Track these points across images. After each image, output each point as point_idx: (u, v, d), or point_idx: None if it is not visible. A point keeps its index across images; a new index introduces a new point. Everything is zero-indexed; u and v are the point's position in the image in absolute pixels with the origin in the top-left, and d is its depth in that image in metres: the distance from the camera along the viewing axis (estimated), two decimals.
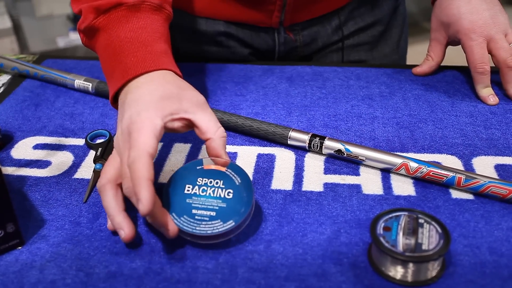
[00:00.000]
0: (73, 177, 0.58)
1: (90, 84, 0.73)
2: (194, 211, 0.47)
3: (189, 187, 0.49)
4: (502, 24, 0.67)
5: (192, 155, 0.60)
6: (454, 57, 0.95)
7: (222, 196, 0.48)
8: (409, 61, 0.90)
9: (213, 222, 0.47)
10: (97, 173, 0.57)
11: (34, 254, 0.48)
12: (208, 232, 0.46)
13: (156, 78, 0.52)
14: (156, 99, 0.49)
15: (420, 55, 0.85)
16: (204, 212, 0.47)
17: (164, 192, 0.49)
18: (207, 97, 0.71)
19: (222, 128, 0.51)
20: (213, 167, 0.51)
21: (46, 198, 0.55)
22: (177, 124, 0.50)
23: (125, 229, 0.47)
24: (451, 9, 0.69)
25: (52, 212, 0.53)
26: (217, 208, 0.48)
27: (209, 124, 0.50)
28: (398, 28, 0.85)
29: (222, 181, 0.49)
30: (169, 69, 0.54)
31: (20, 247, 0.48)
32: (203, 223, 0.47)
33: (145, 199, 0.43)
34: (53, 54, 0.88)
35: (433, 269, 0.44)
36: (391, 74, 0.76)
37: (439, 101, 0.69)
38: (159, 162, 0.59)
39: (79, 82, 0.73)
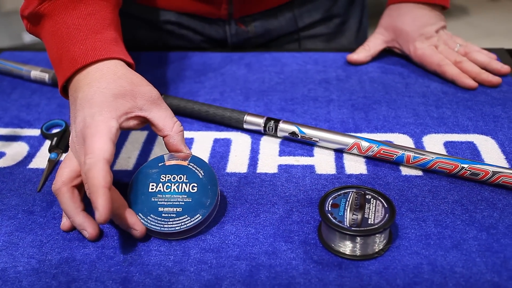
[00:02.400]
0: (27, 167, 0.57)
1: (47, 75, 0.72)
2: (160, 209, 0.48)
3: (153, 185, 0.50)
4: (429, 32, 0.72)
5: (149, 142, 0.60)
6: None
7: (187, 190, 0.49)
8: None
9: (180, 218, 0.47)
10: (51, 162, 0.57)
11: None
12: (177, 228, 0.46)
13: (106, 73, 0.50)
14: (109, 98, 0.48)
15: None
16: (171, 209, 0.48)
17: (129, 192, 0.49)
18: (166, 85, 0.71)
19: (179, 122, 0.51)
20: (175, 162, 0.51)
21: None
22: (132, 123, 0.50)
23: (88, 229, 0.47)
24: (407, 18, 0.72)
25: (5, 202, 0.52)
26: (183, 203, 0.48)
27: (165, 121, 0.50)
28: (356, 19, 0.86)
29: (185, 176, 0.50)
30: (120, 58, 0.53)
31: None
32: (171, 220, 0.47)
33: (101, 207, 0.42)
34: (19, 49, 0.86)
35: (379, 243, 0.45)
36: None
37: (393, 83, 0.70)
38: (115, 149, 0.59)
39: (35, 73, 0.72)
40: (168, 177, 0.50)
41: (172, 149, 0.51)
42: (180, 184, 0.49)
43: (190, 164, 0.51)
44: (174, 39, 0.81)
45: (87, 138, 0.46)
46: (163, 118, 0.51)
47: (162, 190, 0.49)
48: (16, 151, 0.60)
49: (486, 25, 2.77)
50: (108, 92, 0.49)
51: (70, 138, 0.50)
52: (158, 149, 0.59)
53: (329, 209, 0.46)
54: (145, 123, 0.52)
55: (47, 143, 0.61)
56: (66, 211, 0.47)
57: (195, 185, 0.49)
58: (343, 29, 0.85)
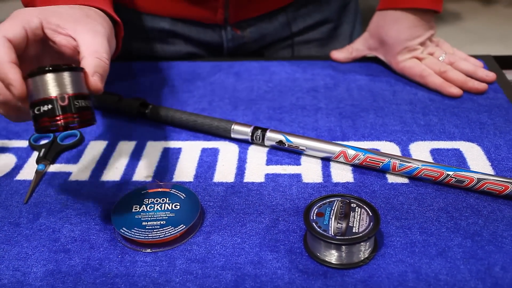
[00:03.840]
0: (15, 178, 0.57)
1: None
2: (144, 223, 0.49)
3: (136, 207, 0.50)
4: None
5: (136, 153, 0.61)
6: None
7: (170, 208, 0.50)
8: None
9: (164, 228, 0.48)
10: (39, 174, 0.57)
11: None
12: (161, 236, 0.47)
13: (77, 6, 0.50)
14: (51, 9, 0.48)
15: None
16: (155, 223, 0.48)
17: (112, 215, 0.50)
18: (154, 95, 0.71)
19: (106, 55, 0.47)
20: (158, 189, 0.52)
21: None
22: (59, 38, 0.47)
23: (14, 82, 0.42)
24: (391, 30, 0.72)
25: None
26: (166, 218, 0.49)
27: (90, 44, 0.46)
28: (350, 24, 0.86)
29: (168, 198, 0.51)
30: (99, 7, 0.52)
31: None
32: (154, 230, 0.47)
33: (15, 80, 0.41)
34: None
35: (365, 251, 0.45)
36: (336, 66, 0.78)
37: (381, 91, 0.71)
38: (103, 160, 0.60)
39: None
40: (151, 200, 0.51)
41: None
42: (163, 204, 0.51)
43: (173, 190, 0.52)
44: (167, 46, 0.81)
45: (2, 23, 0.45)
46: (90, 41, 0.47)
47: (145, 210, 0.50)
48: (3, 162, 0.60)
49: (478, 30, 2.79)
50: (57, 8, 0.49)
51: None
52: (146, 160, 0.59)
53: (314, 218, 0.46)
54: (73, 52, 0.48)
55: (35, 154, 0.61)
56: None
57: (178, 204, 0.51)
58: (336, 34, 0.85)
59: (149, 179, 0.56)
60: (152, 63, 0.80)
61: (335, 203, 0.48)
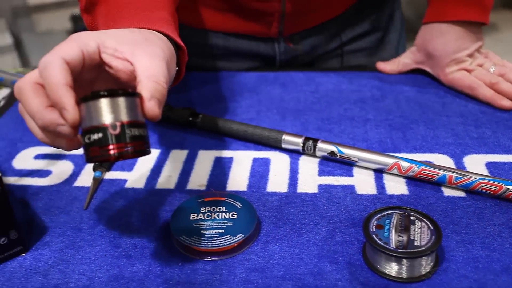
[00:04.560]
0: (73, 185, 0.59)
1: None
2: (203, 231, 0.49)
3: (194, 215, 0.51)
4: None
5: (189, 162, 0.62)
6: None
7: (227, 217, 0.51)
8: None
9: (223, 237, 0.48)
10: (96, 181, 0.59)
11: (38, 260, 0.49)
12: (220, 245, 0.47)
13: (138, 30, 0.47)
14: (109, 32, 0.46)
15: None
16: (213, 231, 0.49)
17: (171, 223, 0.50)
18: (202, 105, 0.72)
19: (164, 79, 0.43)
20: (213, 198, 0.53)
21: (47, 206, 0.56)
22: (115, 63, 0.44)
23: (63, 121, 0.39)
24: (438, 43, 0.71)
25: (54, 219, 0.54)
26: (224, 226, 0.50)
27: (147, 67, 0.43)
28: (396, 33, 0.86)
29: (224, 207, 0.52)
30: (160, 31, 0.50)
31: (23, 254, 0.50)
32: (214, 239, 0.48)
33: (69, 105, 0.38)
34: None
35: (426, 265, 0.45)
36: (382, 78, 0.78)
37: (430, 103, 0.70)
38: (156, 168, 0.61)
39: None
40: (208, 209, 0.52)
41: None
42: (220, 213, 0.51)
43: (228, 198, 0.53)
44: (219, 61, 0.82)
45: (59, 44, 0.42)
46: (147, 65, 0.43)
47: (203, 218, 0.51)
48: (61, 169, 0.62)
49: None
50: (116, 31, 0.46)
51: None
52: (199, 169, 0.60)
53: (374, 230, 0.46)
54: (128, 76, 0.44)
55: None
56: (31, 108, 0.41)
57: (235, 213, 0.51)
58: (384, 43, 0.85)
59: (203, 188, 0.57)
60: (200, 73, 0.81)
61: (394, 215, 0.48)
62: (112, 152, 0.39)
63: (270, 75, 0.80)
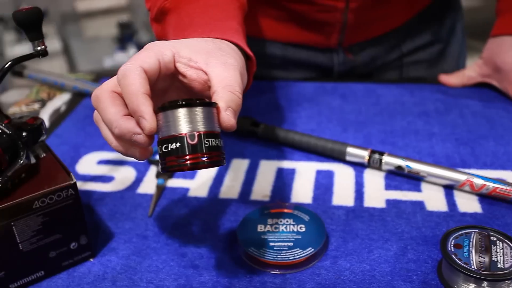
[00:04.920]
0: (136, 191, 0.59)
1: None
2: (271, 243, 0.49)
3: (261, 227, 0.51)
4: None
5: (251, 171, 0.61)
6: None
7: (295, 230, 0.50)
8: None
9: (292, 250, 0.48)
10: (159, 188, 0.59)
11: (105, 266, 0.49)
12: (290, 258, 0.47)
13: (211, 39, 0.48)
14: (184, 42, 0.45)
15: None
16: (282, 244, 0.48)
17: (239, 234, 0.50)
18: (262, 114, 0.72)
19: (239, 89, 0.43)
20: (280, 210, 0.52)
21: (112, 212, 0.56)
22: (190, 72, 0.44)
23: (146, 115, 0.39)
24: (508, 57, 0.68)
25: (119, 225, 0.54)
26: (293, 239, 0.49)
27: (222, 77, 0.43)
28: (457, 45, 0.84)
29: (292, 219, 0.51)
30: (232, 41, 0.49)
31: (91, 259, 0.50)
32: (283, 252, 0.47)
33: (147, 114, 0.38)
34: (104, 73, 0.91)
35: None
36: (445, 90, 0.75)
37: (498, 117, 0.68)
38: (218, 177, 0.60)
39: None
40: (275, 220, 0.51)
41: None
42: (288, 226, 0.51)
43: (295, 211, 0.52)
44: (277, 71, 0.82)
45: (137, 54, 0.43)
46: (222, 75, 0.43)
47: (271, 230, 0.50)
48: (124, 175, 0.62)
49: None
50: (190, 41, 0.46)
51: None
52: (261, 179, 0.60)
53: (452, 249, 0.44)
54: (202, 85, 0.44)
55: (153, 168, 0.63)
56: (108, 116, 0.41)
57: (303, 226, 0.50)
58: (445, 55, 0.83)
59: (267, 199, 0.56)
60: (257, 82, 0.80)
61: (473, 235, 0.46)
62: (189, 162, 0.39)
63: (328, 85, 0.79)
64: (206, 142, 0.39)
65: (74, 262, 0.49)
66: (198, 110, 0.40)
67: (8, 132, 0.45)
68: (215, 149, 0.40)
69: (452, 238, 0.46)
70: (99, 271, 0.49)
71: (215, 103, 0.41)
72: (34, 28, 0.45)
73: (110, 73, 1.00)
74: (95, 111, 0.44)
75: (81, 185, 0.61)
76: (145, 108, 0.39)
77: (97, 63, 2.38)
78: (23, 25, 0.45)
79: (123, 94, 0.40)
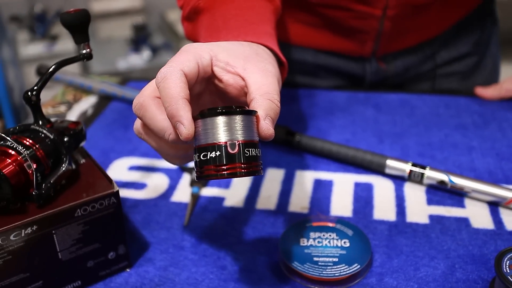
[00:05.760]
0: (170, 200, 0.58)
1: None
2: (315, 258, 0.47)
3: (304, 240, 0.49)
4: None
5: (287, 182, 0.59)
6: None
7: (339, 245, 0.48)
8: None
9: (338, 266, 0.46)
10: (194, 197, 0.57)
11: (143, 277, 0.48)
12: (336, 275, 0.45)
13: (247, 43, 0.46)
14: (222, 45, 0.44)
15: None
16: (326, 259, 0.47)
17: (281, 247, 0.48)
18: (295, 123, 0.70)
19: (278, 96, 0.42)
20: (323, 223, 0.51)
21: (147, 221, 0.55)
22: (227, 77, 0.43)
23: (185, 121, 0.37)
24: None
25: (155, 235, 0.53)
26: (337, 255, 0.47)
27: (261, 84, 0.42)
28: (492, 58, 0.82)
29: (335, 233, 0.50)
30: (267, 46, 0.48)
31: (128, 269, 0.48)
32: (328, 267, 0.46)
33: (186, 119, 0.37)
34: (131, 76, 0.89)
35: None
36: (481, 103, 0.74)
37: None
38: (254, 187, 0.59)
39: None
40: (318, 234, 0.50)
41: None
42: (331, 240, 0.49)
43: (338, 224, 0.51)
44: (308, 78, 0.81)
45: (175, 55, 0.41)
46: (259, 81, 0.42)
47: (314, 244, 0.49)
48: (157, 183, 0.61)
49: None
50: (228, 44, 0.45)
51: None
52: (298, 190, 0.58)
53: (508, 270, 0.43)
54: (239, 91, 0.43)
55: (185, 175, 0.62)
56: (159, 125, 0.39)
57: (347, 241, 0.49)
58: (479, 68, 0.81)
59: (306, 211, 0.55)
60: (289, 89, 0.79)
61: None
62: (226, 172, 0.38)
63: (361, 95, 0.77)
64: (246, 152, 0.38)
65: (111, 272, 0.48)
66: (238, 118, 0.38)
67: (51, 136, 0.44)
68: (254, 159, 0.39)
69: (506, 258, 0.44)
70: (136, 282, 0.47)
71: (255, 111, 0.40)
72: (81, 31, 0.44)
73: (131, 76, 0.98)
74: (137, 122, 0.42)
75: None
76: (184, 113, 0.37)
77: (110, 64, 2.37)
78: (70, 27, 0.43)
79: (162, 97, 0.39)
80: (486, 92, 0.74)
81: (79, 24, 0.43)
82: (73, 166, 0.46)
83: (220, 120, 0.38)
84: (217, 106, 0.39)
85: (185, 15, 0.58)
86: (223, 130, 0.38)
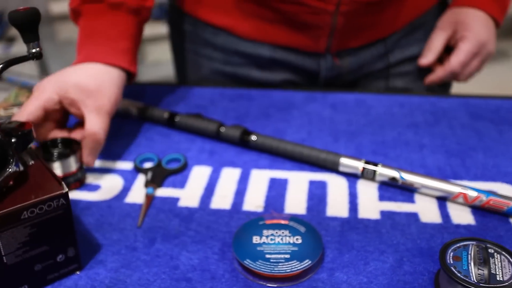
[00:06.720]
0: (124, 201, 0.57)
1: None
2: (267, 256, 0.47)
3: (256, 238, 0.49)
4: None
5: (242, 181, 0.60)
6: (497, 86, 0.95)
7: (292, 242, 0.49)
8: (460, 89, 0.89)
9: (289, 262, 0.46)
10: (149, 197, 0.57)
11: (93, 279, 0.47)
12: (287, 271, 0.45)
13: (97, 69, 0.63)
14: (74, 79, 0.61)
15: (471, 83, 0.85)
16: (278, 256, 0.47)
17: (234, 245, 0.49)
18: (251, 123, 0.71)
19: (102, 132, 0.59)
20: (276, 221, 0.51)
21: (99, 222, 0.54)
22: (72, 110, 0.61)
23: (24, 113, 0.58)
24: (466, 21, 0.77)
25: (107, 236, 0.52)
26: (289, 251, 0.48)
27: (92, 124, 0.59)
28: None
29: (287, 231, 0.50)
30: (121, 66, 0.64)
31: (78, 272, 0.48)
32: (280, 264, 0.46)
33: (26, 112, 0.57)
34: None
35: None
36: (434, 102, 0.76)
37: (486, 130, 0.69)
38: (209, 186, 0.59)
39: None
40: (271, 231, 0.50)
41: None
42: (284, 237, 0.49)
43: (291, 222, 0.51)
44: (264, 73, 0.81)
45: (35, 92, 0.60)
46: (91, 122, 0.59)
47: (266, 242, 0.49)
48: (111, 184, 0.60)
49: None
50: (74, 79, 0.61)
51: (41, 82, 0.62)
52: (254, 189, 0.58)
53: (451, 261, 0.44)
54: (82, 116, 0.61)
55: (141, 177, 0.61)
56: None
57: (299, 237, 0.49)
58: (431, 68, 0.84)
59: (261, 210, 0.55)
60: (245, 90, 0.80)
61: (470, 247, 0.45)
62: None
63: (318, 95, 0.78)
64: None
65: (60, 275, 0.47)
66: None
67: None
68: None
69: (450, 250, 0.45)
70: (87, 284, 0.46)
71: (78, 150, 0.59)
72: (31, 30, 0.43)
73: None
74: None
75: None
76: (28, 109, 0.59)
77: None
78: (19, 26, 0.43)
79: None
80: (427, 59, 0.79)
81: (28, 23, 0.43)
82: (21, 168, 0.45)
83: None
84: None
85: (71, 7, 0.67)
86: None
